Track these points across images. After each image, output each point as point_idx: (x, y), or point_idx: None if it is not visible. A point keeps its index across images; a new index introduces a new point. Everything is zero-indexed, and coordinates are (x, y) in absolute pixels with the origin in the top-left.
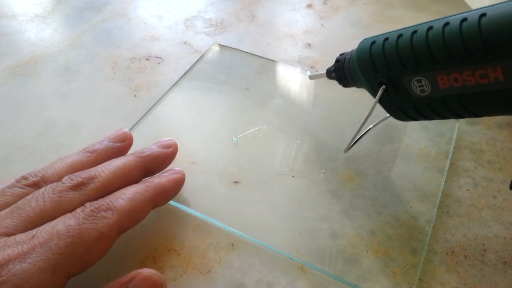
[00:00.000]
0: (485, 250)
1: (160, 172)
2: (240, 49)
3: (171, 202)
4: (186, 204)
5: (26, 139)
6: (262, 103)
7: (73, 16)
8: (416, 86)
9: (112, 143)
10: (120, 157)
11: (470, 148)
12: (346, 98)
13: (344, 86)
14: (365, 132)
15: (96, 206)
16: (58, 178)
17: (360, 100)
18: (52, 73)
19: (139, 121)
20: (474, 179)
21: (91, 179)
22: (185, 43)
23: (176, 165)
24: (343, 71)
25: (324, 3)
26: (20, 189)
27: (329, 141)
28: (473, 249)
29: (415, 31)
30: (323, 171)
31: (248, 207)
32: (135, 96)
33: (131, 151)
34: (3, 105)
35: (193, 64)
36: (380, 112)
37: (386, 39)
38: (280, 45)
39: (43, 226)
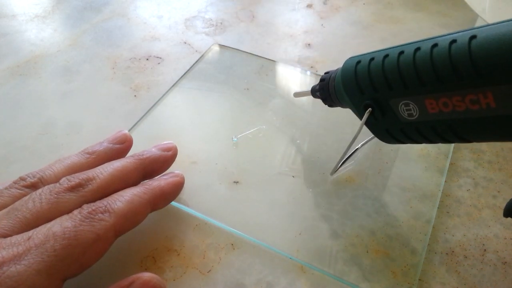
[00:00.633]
0: (485, 250)
1: (160, 175)
2: (240, 49)
3: (171, 203)
4: (186, 204)
5: (26, 139)
6: (262, 103)
7: (73, 16)
8: (403, 110)
9: (111, 145)
10: (119, 159)
11: (470, 148)
12: None
13: (330, 106)
14: (352, 153)
15: (94, 208)
16: (56, 179)
17: None
18: (52, 73)
19: (139, 121)
20: (474, 179)
21: (89, 180)
22: (185, 43)
23: (176, 165)
24: (328, 91)
25: (324, 3)
26: (18, 190)
27: (329, 141)
28: (473, 249)
29: (402, 52)
30: (323, 171)
31: (248, 207)
32: (135, 96)
33: (131, 152)
34: (3, 105)
35: (193, 64)
36: (368, 131)
37: (372, 59)
38: (280, 45)
39: (39, 227)
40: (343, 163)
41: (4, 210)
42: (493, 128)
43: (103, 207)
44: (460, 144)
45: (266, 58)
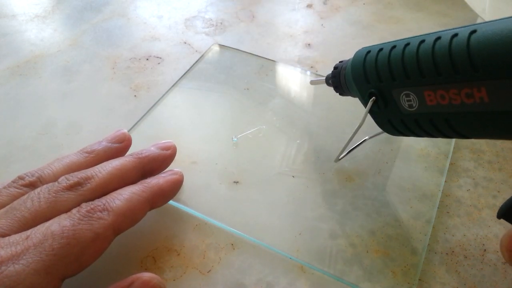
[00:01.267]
0: (485, 250)
1: (159, 174)
2: (240, 49)
3: (171, 202)
4: (186, 204)
5: (26, 139)
6: (262, 103)
7: (73, 16)
8: (404, 101)
9: (110, 144)
10: (117, 158)
11: (470, 148)
12: (346, 98)
13: (341, 94)
14: (360, 144)
15: (92, 206)
16: (55, 178)
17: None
18: (52, 73)
19: (139, 121)
20: (474, 179)
21: (88, 179)
22: (185, 43)
23: (176, 165)
24: (339, 79)
25: (324, 3)
26: (16, 190)
27: (329, 141)
28: (473, 249)
29: (408, 43)
30: (323, 171)
31: (248, 207)
32: (135, 96)
33: (130, 152)
34: (3, 105)
35: (193, 64)
36: (375, 125)
37: (381, 49)
38: (280, 45)
39: (38, 227)
40: (348, 152)
41: (2, 210)
42: (487, 123)
43: (102, 206)
44: (460, 144)
45: (266, 58)
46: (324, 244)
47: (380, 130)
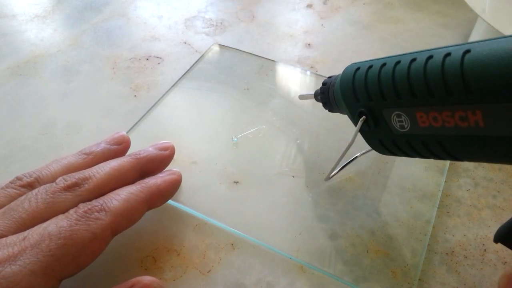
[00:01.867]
0: (485, 250)
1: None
2: (240, 49)
3: (171, 202)
4: (186, 204)
5: (26, 139)
6: (262, 103)
7: (73, 16)
8: (396, 121)
9: (109, 146)
10: (115, 159)
11: None
12: None
13: (330, 111)
14: (351, 161)
15: (89, 207)
16: (53, 179)
17: None
18: (52, 73)
19: (139, 121)
20: (474, 179)
21: (85, 180)
22: (185, 43)
23: (176, 165)
24: (328, 95)
25: (324, 3)
26: (14, 190)
27: (329, 141)
28: (473, 249)
29: (398, 62)
30: (323, 171)
31: (248, 207)
32: (135, 96)
33: (129, 152)
34: (3, 105)
35: (193, 64)
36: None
37: (370, 66)
38: (280, 45)
39: (35, 227)
40: (339, 170)
41: (0, 210)
42: (482, 147)
43: (99, 206)
44: None
45: (266, 58)
46: (324, 244)
47: (368, 146)
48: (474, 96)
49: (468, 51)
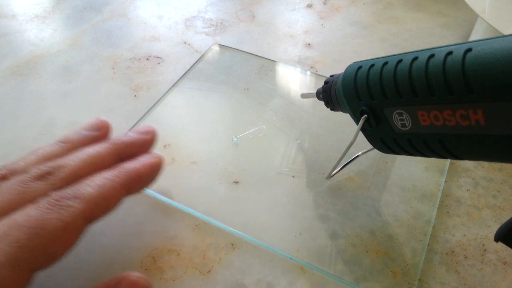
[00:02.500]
0: (485, 250)
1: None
2: (240, 49)
3: (171, 202)
4: (186, 204)
5: (26, 139)
6: (262, 103)
7: (73, 16)
8: (397, 120)
9: (87, 132)
10: (92, 145)
11: None
12: None
13: (332, 109)
14: (352, 160)
15: (61, 195)
16: (28, 170)
17: None
18: (52, 73)
19: (139, 121)
20: (474, 179)
21: (59, 168)
22: (185, 43)
23: (176, 165)
24: (330, 94)
25: (324, 3)
26: None
27: (329, 141)
28: (473, 249)
29: (400, 60)
30: (323, 171)
31: (248, 207)
32: (135, 96)
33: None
34: (3, 105)
35: (193, 64)
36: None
37: (372, 65)
38: (280, 45)
39: (4, 218)
40: (340, 169)
41: None
42: (483, 146)
43: (71, 193)
44: None
45: (266, 58)
46: (324, 244)
47: (370, 145)
48: (475, 95)
49: (469, 49)
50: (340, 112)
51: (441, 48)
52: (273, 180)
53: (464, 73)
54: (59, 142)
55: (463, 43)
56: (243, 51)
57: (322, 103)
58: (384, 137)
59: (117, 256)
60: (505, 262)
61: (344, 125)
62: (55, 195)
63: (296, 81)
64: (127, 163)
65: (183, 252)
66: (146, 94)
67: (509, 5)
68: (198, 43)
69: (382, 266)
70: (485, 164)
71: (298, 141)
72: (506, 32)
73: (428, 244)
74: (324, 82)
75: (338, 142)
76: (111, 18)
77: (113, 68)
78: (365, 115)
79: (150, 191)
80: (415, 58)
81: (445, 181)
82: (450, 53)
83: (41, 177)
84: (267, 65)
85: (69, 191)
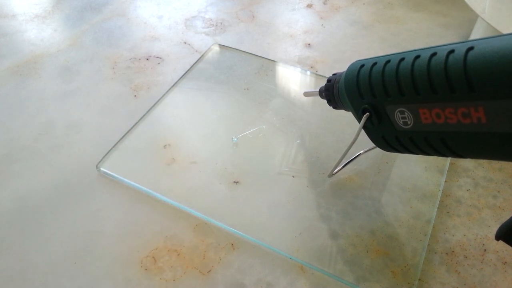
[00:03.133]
0: (485, 250)
1: None
2: (240, 49)
3: (171, 202)
4: (186, 204)
5: (26, 139)
6: (262, 103)
7: (73, 16)
8: (399, 118)
9: None
10: None
11: None
12: None
13: (334, 108)
14: (353, 158)
15: None
16: None
17: None
18: (52, 73)
19: (139, 121)
20: (474, 179)
21: None
22: (185, 43)
23: (176, 165)
24: (332, 92)
25: (324, 3)
26: None
27: (329, 141)
28: (473, 249)
29: (402, 59)
30: (323, 171)
31: (248, 207)
32: (135, 96)
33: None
34: (3, 105)
35: (193, 64)
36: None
37: (375, 63)
38: (280, 45)
39: None
40: (342, 167)
41: None
42: (484, 144)
43: None
44: None
45: (266, 58)
46: (324, 244)
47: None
48: (477, 93)
49: (471, 48)
50: (340, 112)
51: (443, 47)
52: (273, 180)
53: (465, 71)
54: None
55: (465, 42)
56: (243, 51)
57: (322, 103)
58: (386, 135)
59: (117, 256)
60: (505, 262)
61: (344, 125)
62: None
63: (296, 81)
64: None
65: (183, 252)
66: (146, 94)
67: (509, 5)
68: (198, 43)
69: (382, 266)
70: (485, 164)
71: (298, 141)
72: (506, 32)
73: (428, 244)
74: (327, 80)
75: (338, 142)
76: (111, 18)
77: (113, 68)
78: (367, 113)
79: (150, 191)
80: (417, 57)
81: (445, 181)
82: (452, 51)
83: None
84: (267, 65)
85: None
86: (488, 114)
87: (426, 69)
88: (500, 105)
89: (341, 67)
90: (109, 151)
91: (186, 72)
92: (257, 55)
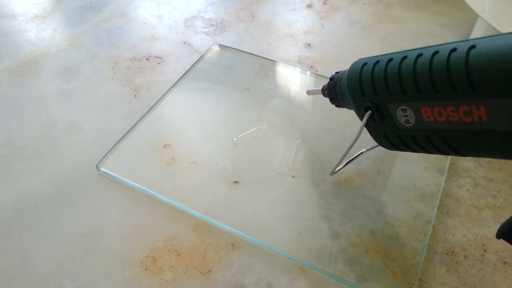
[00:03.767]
0: (485, 250)
1: None
2: (240, 49)
3: (171, 202)
4: (186, 204)
5: (26, 139)
6: (262, 103)
7: (73, 16)
8: (401, 116)
9: None
10: None
11: None
12: None
13: (337, 106)
14: (356, 157)
15: None
16: None
17: None
18: (52, 73)
19: (139, 121)
20: (474, 179)
21: None
22: (185, 43)
23: (176, 165)
24: (335, 90)
25: (324, 3)
26: None
27: (329, 141)
28: (473, 249)
29: (405, 57)
30: (323, 171)
31: (248, 207)
32: (135, 96)
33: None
34: (3, 105)
35: (193, 64)
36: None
37: (377, 62)
38: (280, 45)
39: None
40: (344, 165)
41: None
42: (484, 143)
43: None
44: None
45: (266, 58)
46: (324, 244)
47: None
48: (478, 91)
49: (473, 46)
50: (340, 112)
51: (445, 45)
52: (273, 180)
53: (467, 69)
54: None
55: (467, 40)
56: (243, 51)
57: (322, 103)
58: (388, 133)
59: (117, 256)
60: (505, 262)
61: (344, 125)
62: None
63: (296, 81)
64: None
65: (183, 252)
66: (146, 94)
67: (509, 5)
68: (198, 43)
69: (382, 266)
70: (485, 164)
71: (298, 141)
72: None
73: (428, 244)
74: (330, 78)
75: (338, 142)
76: (111, 18)
77: (113, 68)
78: (370, 111)
79: (150, 191)
80: (420, 55)
81: (445, 181)
82: (454, 49)
83: None
84: (267, 65)
85: None
86: (490, 112)
87: (428, 67)
88: (501, 103)
89: (341, 67)
90: (109, 151)
91: (186, 72)
92: (257, 55)
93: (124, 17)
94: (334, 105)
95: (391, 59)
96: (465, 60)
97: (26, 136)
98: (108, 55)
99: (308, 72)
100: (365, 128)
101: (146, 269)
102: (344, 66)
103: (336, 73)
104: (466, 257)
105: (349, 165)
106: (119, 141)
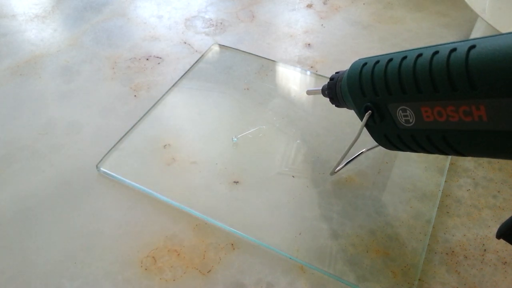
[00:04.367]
0: (485, 250)
1: None
2: (240, 49)
3: (171, 202)
4: (186, 204)
5: (26, 139)
6: (262, 103)
7: (73, 16)
8: (401, 116)
9: None
10: None
11: None
12: None
13: (337, 106)
14: (356, 156)
15: None
16: None
17: None
18: (52, 73)
19: (139, 121)
20: (474, 179)
21: None
22: (185, 43)
23: (176, 165)
24: (335, 90)
25: (324, 3)
26: None
27: (329, 141)
28: (473, 249)
29: (405, 57)
30: (323, 171)
31: (248, 207)
32: (135, 96)
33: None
34: (3, 105)
35: (193, 64)
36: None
37: (377, 62)
38: (280, 45)
39: None
40: (344, 165)
41: None
42: (485, 142)
43: None
44: None
45: (266, 58)
46: (324, 244)
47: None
48: (478, 91)
49: (473, 46)
50: (340, 112)
51: (445, 45)
52: (273, 180)
53: (467, 69)
54: None
55: (467, 40)
56: (243, 51)
57: (322, 103)
58: (388, 133)
59: (117, 256)
60: (505, 262)
61: (344, 125)
62: None
63: (296, 81)
64: None
65: (183, 252)
66: (146, 94)
67: (509, 5)
68: (198, 43)
69: (382, 266)
70: (485, 164)
71: (298, 141)
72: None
73: (428, 244)
74: (330, 78)
75: (338, 142)
76: (111, 18)
77: (113, 68)
78: (370, 111)
79: (150, 191)
80: (420, 55)
81: (445, 181)
82: (454, 49)
83: None
84: (267, 65)
85: None
86: (490, 112)
87: (428, 67)
88: (501, 103)
89: (341, 67)
90: (109, 151)
91: (186, 72)
92: (257, 55)
93: (124, 17)
94: (334, 105)
95: (391, 59)
96: (465, 60)
97: (26, 136)
98: (108, 55)
99: (308, 72)
100: (365, 128)
101: (146, 269)
102: (344, 66)
103: (336, 73)
104: (466, 257)
105: (349, 165)
106: (119, 141)
